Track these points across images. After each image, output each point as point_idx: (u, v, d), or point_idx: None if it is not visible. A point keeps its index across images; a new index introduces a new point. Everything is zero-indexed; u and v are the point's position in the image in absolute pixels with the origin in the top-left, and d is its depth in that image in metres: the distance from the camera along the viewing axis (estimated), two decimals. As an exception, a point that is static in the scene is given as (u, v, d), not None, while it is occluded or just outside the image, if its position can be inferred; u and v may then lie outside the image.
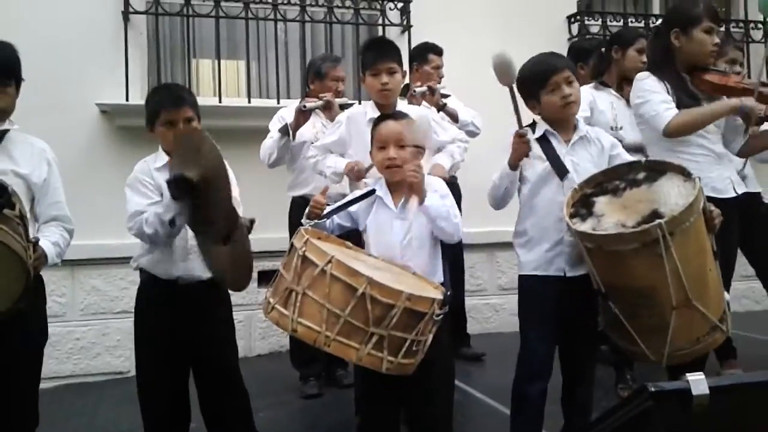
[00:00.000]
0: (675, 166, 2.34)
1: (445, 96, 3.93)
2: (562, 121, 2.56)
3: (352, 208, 2.41)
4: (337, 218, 2.39)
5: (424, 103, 3.68)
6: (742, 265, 3.59)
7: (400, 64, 3.08)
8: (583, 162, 2.53)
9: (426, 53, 4.22)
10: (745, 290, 4.97)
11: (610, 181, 2.41)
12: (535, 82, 2.54)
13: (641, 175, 2.37)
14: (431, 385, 2.27)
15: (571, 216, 2.34)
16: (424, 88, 3.75)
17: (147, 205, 2.49)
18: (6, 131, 2.29)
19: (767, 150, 3.21)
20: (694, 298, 2.15)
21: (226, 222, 2.34)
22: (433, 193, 2.33)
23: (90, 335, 4.20)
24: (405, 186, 2.30)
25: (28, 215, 2.19)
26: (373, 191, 2.42)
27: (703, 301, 2.19)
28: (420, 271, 2.27)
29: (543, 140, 2.55)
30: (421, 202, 2.25)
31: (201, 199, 2.33)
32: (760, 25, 5.57)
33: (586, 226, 2.27)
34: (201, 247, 2.46)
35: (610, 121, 3.47)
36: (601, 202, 2.34)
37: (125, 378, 4.02)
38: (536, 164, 2.52)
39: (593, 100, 3.52)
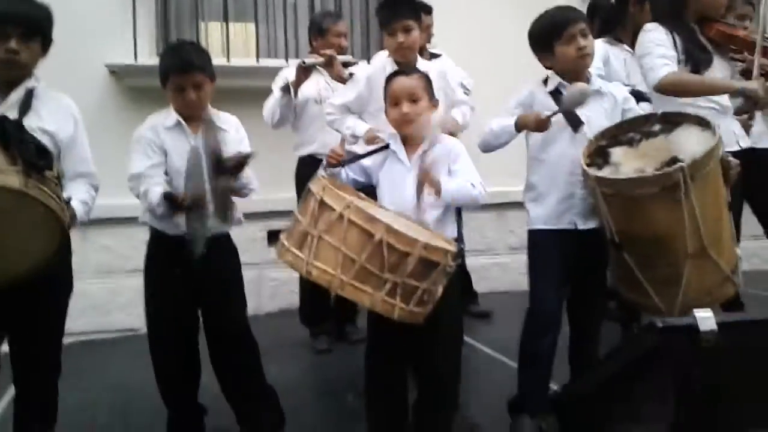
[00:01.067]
0: (691, 117, 2.33)
1: (436, 56, 3.86)
2: (576, 73, 2.53)
3: (366, 162, 2.41)
4: (351, 173, 2.39)
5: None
6: (753, 224, 3.57)
7: (417, 19, 3.03)
8: (597, 115, 2.51)
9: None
10: (755, 249, 4.95)
11: (625, 133, 2.40)
12: (550, 33, 2.52)
13: (657, 127, 2.37)
14: (439, 340, 2.30)
15: (588, 165, 2.33)
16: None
17: (148, 167, 2.51)
18: (33, 89, 2.29)
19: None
20: (709, 246, 2.16)
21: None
22: (453, 163, 2.33)
23: (102, 293, 4.26)
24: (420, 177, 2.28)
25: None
26: (387, 146, 2.42)
27: (717, 250, 2.19)
28: (432, 226, 2.28)
29: (556, 93, 2.53)
30: (438, 193, 2.26)
31: (190, 211, 2.43)
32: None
33: (603, 173, 2.27)
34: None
35: (623, 78, 3.41)
36: (618, 153, 2.33)
37: (137, 335, 4.06)
38: (552, 109, 2.48)
39: (607, 55, 3.47)
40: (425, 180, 2.26)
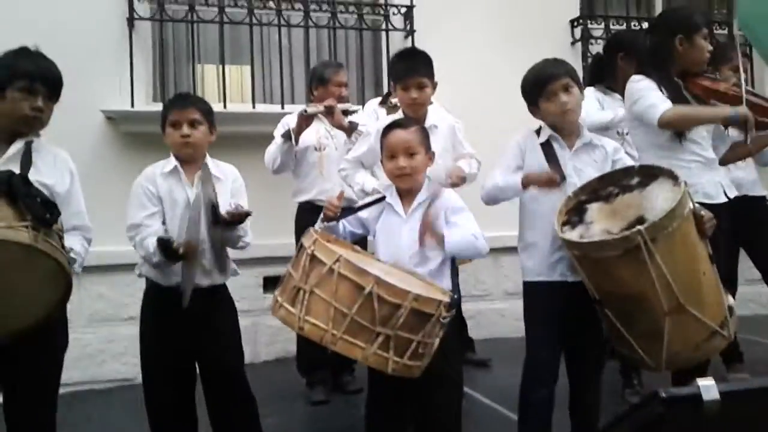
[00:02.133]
0: (667, 171, 2.35)
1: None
2: (563, 128, 2.57)
3: (363, 214, 2.43)
4: (348, 225, 2.41)
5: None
6: (749, 268, 3.58)
7: (431, 76, 3.07)
8: (587, 168, 2.54)
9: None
10: (752, 294, 4.95)
11: (605, 187, 2.42)
12: (533, 89, 2.58)
13: (635, 181, 2.38)
14: (440, 393, 2.28)
15: (564, 224, 2.35)
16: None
17: (144, 217, 2.55)
18: (31, 142, 2.31)
19: (751, 156, 3.25)
20: (688, 303, 2.15)
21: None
22: (450, 215, 2.33)
23: (96, 342, 4.20)
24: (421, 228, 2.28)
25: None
26: (383, 198, 2.43)
27: (698, 307, 2.18)
28: (428, 277, 2.28)
29: (546, 145, 2.56)
30: (441, 242, 2.26)
31: (183, 259, 2.45)
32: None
33: (573, 234, 2.29)
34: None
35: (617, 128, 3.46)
36: (593, 209, 2.35)
37: (132, 385, 4.01)
38: (538, 170, 2.53)
39: (600, 103, 3.52)
40: (427, 231, 2.26)
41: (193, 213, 2.43)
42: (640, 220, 2.13)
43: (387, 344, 1.92)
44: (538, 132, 2.63)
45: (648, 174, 2.37)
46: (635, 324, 2.24)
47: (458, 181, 2.98)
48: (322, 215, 2.35)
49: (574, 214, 2.37)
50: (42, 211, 2.01)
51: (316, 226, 2.28)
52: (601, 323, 2.44)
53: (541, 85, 2.55)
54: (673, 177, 2.29)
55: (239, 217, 2.49)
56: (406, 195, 2.41)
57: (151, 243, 2.45)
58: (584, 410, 2.60)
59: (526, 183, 2.50)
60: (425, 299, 1.95)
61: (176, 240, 2.45)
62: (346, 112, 3.64)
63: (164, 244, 2.41)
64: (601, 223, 2.26)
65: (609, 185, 2.41)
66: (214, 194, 2.49)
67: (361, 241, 2.45)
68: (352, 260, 1.94)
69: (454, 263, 2.38)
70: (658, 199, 2.22)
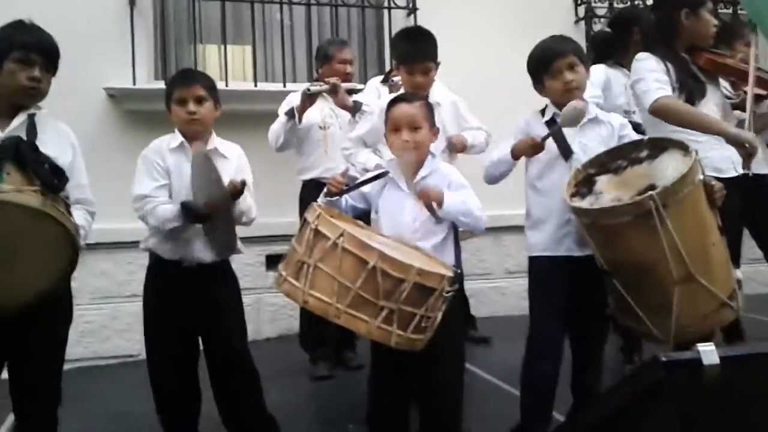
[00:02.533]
0: (676, 142, 2.34)
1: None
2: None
3: (366, 189, 2.42)
4: (351, 200, 2.41)
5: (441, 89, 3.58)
6: (751, 247, 3.59)
7: (435, 58, 3.04)
8: (593, 143, 2.54)
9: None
10: (753, 273, 4.97)
11: (614, 161, 2.41)
12: (538, 67, 2.58)
13: (644, 153, 2.37)
14: (442, 367, 2.29)
15: (573, 195, 2.35)
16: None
17: (153, 189, 2.54)
18: (34, 114, 2.31)
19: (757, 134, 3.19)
20: (697, 272, 2.14)
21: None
22: (451, 190, 2.32)
23: (100, 319, 4.23)
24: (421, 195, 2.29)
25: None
26: (386, 172, 2.43)
27: (707, 276, 2.17)
28: (431, 252, 2.28)
29: (552, 123, 2.56)
30: (440, 205, 2.26)
31: (207, 220, 2.47)
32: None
33: (583, 203, 2.28)
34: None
35: (624, 104, 3.45)
36: (602, 181, 2.35)
37: (136, 361, 4.05)
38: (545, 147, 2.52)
39: (608, 80, 3.50)
40: (426, 193, 2.26)
41: (201, 171, 2.44)
42: (651, 188, 2.12)
43: (390, 318, 1.93)
44: (543, 112, 2.63)
45: (657, 146, 2.37)
46: (644, 295, 2.23)
47: (459, 146, 2.97)
48: (325, 190, 2.35)
49: (584, 186, 2.37)
50: (50, 177, 2.02)
51: (318, 200, 2.28)
52: (605, 300, 2.44)
53: (546, 63, 2.54)
54: (683, 147, 2.28)
55: (236, 190, 2.47)
56: (409, 169, 2.41)
57: (167, 209, 2.48)
58: (586, 387, 2.62)
59: (515, 153, 2.51)
60: (428, 273, 1.97)
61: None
62: (351, 92, 3.64)
63: (189, 206, 2.44)
64: (611, 193, 2.25)
65: (618, 159, 2.40)
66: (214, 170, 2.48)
67: (364, 216, 2.45)
68: (356, 235, 1.95)
69: (457, 238, 2.39)
70: (669, 169, 2.22)
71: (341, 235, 1.93)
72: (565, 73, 2.51)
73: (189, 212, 2.45)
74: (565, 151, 2.50)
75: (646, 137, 2.54)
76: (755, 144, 2.59)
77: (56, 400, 2.34)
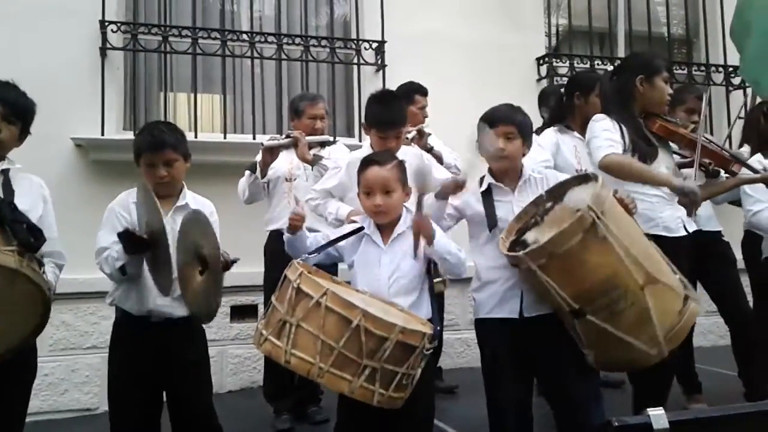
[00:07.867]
0: (571, 181, 2.45)
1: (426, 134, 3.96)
2: (500, 173, 2.59)
3: (340, 243, 2.43)
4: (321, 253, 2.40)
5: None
6: (706, 300, 3.68)
7: (405, 122, 3.09)
8: None
9: (412, 94, 4.09)
10: (710, 325, 5.08)
11: (529, 219, 2.46)
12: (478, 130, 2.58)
13: (549, 204, 2.44)
14: (413, 423, 2.29)
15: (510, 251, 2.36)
16: (414, 132, 3.73)
17: (114, 242, 2.50)
18: (7, 170, 2.32)
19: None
20: (654, 272, 2.22)
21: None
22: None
23: (59, 371, 4.13)
24: (407, 233, 2.32)
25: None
26: (361, 228, 2.45)
27: (663, 276, 2.26)
28: (407, 307, 2.30)
29: (486, 193, 2.58)
30: (431, 242, 2.29)
31: (147, 248, 2.42)
32: (720, 69, 5.77)
33: (532, 246, 2.28)
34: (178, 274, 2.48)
35: (575, 164, 3.55)
36: (531, 235, 2.37)
37: (94, 415, 3.95)
38: (480, 211, 2.56)
39: (557, 143, 3.61)
40: (420, 227, 2.28)
41: (146, 201, 2.43)
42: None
43: (373, 377, 1.95)
44: (480, 180, 2.63)
45: (556, 193, 2.45)
46: (621, 315, 2.22)
47: (453, 187, 3.01)
48: (287, 226, 2.36)
49: (517, 244, 2.38)
50: (28, 236, 2.04)
51: (297, 258, 2.24)
52: (575, 353, 2.36)
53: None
54: (579, 180, 2.40)
55: (226, 265, 2.48)
56: (384, 227, 2.43)
57: (116, 248, 2.43)
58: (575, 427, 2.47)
59: (439, 195, 2.51)
60: (411, 332, 1.99)
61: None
62: (323, 144, 3.70)
63: (127, 234, 2.38)
64: (547, 235, 2.25)
65: (530, 217, 2.45)
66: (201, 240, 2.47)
67: (330, 268, 2.46)
68: (339, 294, 1.96)
69: (432, 293, 2.39)
70: (582, 194, 2.31)
71: (324, 293, 1.95)
72: (500, 140, 2.52)
73: (128, 239, 2.38)
74: (490, 221, 2.52)
75: (543, 192, 2.54)
76: (697, 192, 2.72)
77: None
